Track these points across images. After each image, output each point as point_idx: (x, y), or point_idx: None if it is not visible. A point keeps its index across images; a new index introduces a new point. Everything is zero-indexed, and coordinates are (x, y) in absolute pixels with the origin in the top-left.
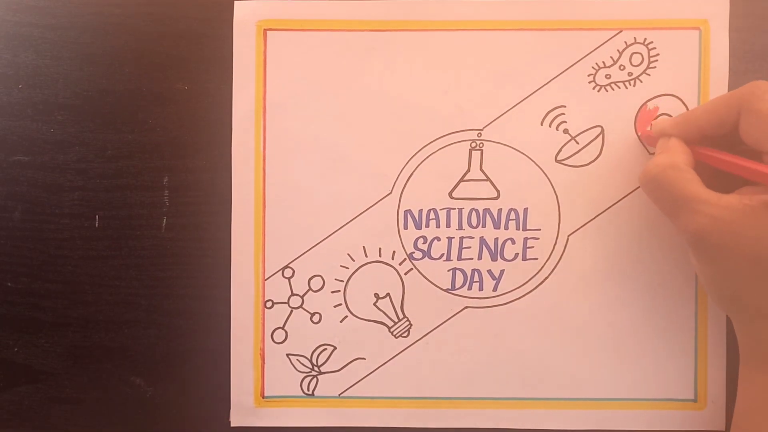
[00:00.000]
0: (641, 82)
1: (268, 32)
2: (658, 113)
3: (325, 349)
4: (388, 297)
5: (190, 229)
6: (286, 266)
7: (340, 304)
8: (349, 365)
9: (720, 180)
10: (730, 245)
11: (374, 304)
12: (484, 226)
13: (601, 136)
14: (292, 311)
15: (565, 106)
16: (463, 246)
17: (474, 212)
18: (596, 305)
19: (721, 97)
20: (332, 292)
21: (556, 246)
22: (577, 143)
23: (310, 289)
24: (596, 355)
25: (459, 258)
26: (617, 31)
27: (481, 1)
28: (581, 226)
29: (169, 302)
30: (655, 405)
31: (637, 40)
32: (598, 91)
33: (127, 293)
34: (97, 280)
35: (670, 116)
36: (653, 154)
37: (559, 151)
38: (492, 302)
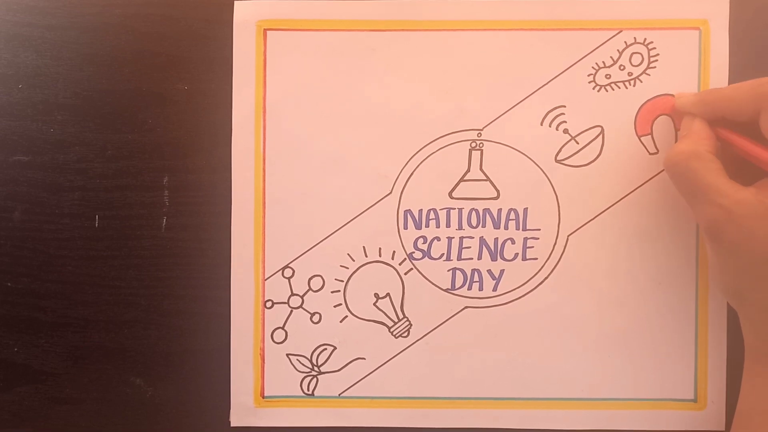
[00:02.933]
0: (641, 82)
1: (268, 32)
2: (658, 114)
3: (325, 349)
4: (388, 297)
5: (190, 229)
6: (286, 266)
7: (340, 304)
8: (349, 365)
9: (747, 165)
10: (741, 240)
11: (374, 304)
12: (484, 226)
13: (601, 136)
14: (292, 311)
15: (565, 106)
16: (463, 246)
17: (474, 212)
18: (596, 305)
19: (742, 86)
20: (332, 292)
21: (556, 246)
22: (577, 143)
23: (310, 289)
24: (596, 355)
25: (459, 258)
26: (617, 31)
27: (481, 1)
28: (581, 226)
29: (169, 302)
30: (655, 405)
31: (637, 40)
32: (598, 91)
33: (127, 293)
34: (97, 281)
35: (671, 117)
36: (653, 154)
37: (559, 151)
38: (492, 302)
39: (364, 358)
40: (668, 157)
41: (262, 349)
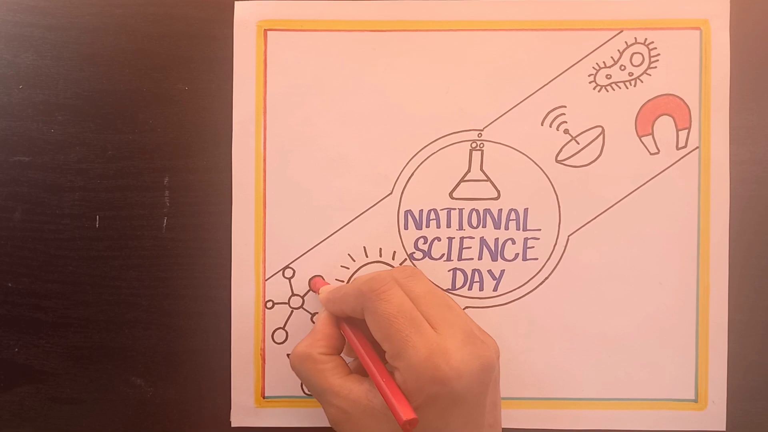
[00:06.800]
0: (642, 82)
1: (268, 32)
2: (659, 114)
3: None
4: None
5: (191, 229)
6: (287, 266)
7: None
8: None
9: None
10: None
11: None
12: (484, 226)
13: (601, 136)
14: (292, 311)
15: (565, 106)
16: (464, 246)
17: (474, 212)
18: (596, 305)
19: (352, 284)
20: None
21: (557, 246)
22: (578, 143)
23: (310, 289)
24: (596, 355)
25: (459, 258)
26: (618, 31)
27: (481, 1)
28: (581, 226)
29: (169, 302)
30: (655, 405)
31: (638, 40)
32: (599, 91)
33: (127, 293)
34: (98, 281)
35: (672, 117)
36: (654, 154)
37: (560, 151)
38: (492, 302)
39: None
40: (290, 359)
41: (263, 350)
